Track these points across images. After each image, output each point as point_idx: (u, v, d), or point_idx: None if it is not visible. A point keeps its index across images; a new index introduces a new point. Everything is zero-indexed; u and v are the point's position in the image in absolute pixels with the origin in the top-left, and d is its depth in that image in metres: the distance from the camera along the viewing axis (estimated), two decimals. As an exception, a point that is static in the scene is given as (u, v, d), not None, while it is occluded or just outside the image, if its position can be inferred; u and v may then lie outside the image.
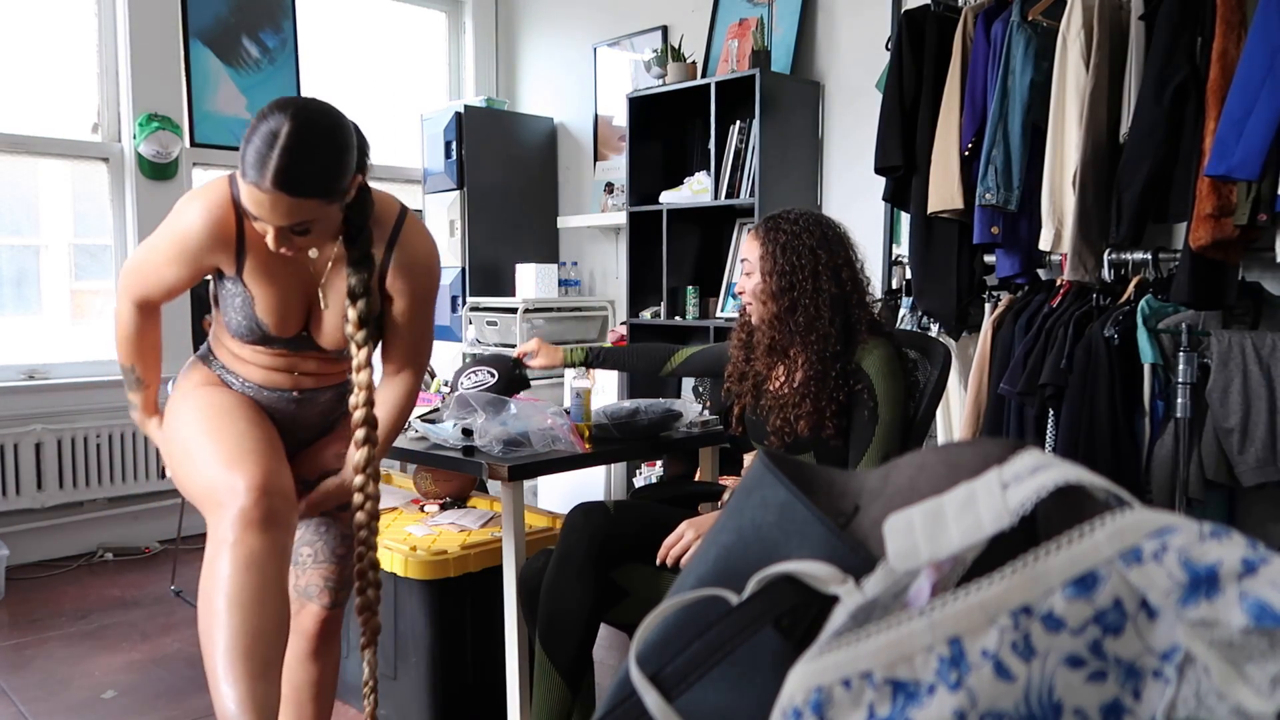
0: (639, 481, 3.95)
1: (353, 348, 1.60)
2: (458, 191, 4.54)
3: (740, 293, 1.92)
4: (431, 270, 1.72)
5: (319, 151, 1.45)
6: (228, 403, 1.68)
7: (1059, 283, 2.71)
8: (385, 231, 1.65)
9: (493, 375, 2.37)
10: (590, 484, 3.79)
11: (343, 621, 1.88)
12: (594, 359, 2.31)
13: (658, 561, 1.82)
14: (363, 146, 1.55)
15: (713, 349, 2.26)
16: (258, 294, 1.63)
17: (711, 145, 3.71)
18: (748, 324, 1.95)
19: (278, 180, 1.42)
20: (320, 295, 1.67)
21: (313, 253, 1.62)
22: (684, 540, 1.78)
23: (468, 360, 2.42)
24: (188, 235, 1.58)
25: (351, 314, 1.59)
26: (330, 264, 1.66)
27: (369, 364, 1.61)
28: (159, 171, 3.98)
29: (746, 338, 1.95)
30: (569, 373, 2.18)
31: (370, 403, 1.60)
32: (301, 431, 1.81)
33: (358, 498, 1.63)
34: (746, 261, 1.89)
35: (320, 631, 1.81)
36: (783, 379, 1.88)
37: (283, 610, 1.52)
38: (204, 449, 1.60)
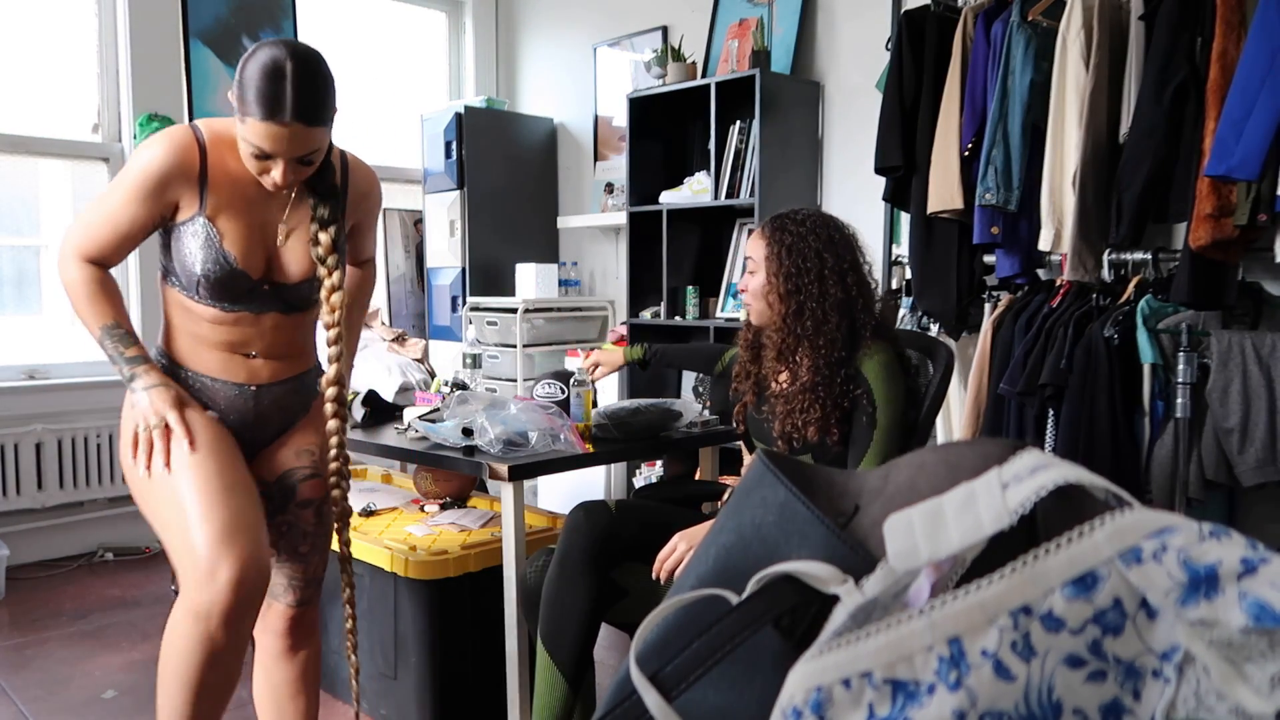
0: (639, 482, 3.95)
1: (323, 271, 1.69)
2: (458, 191, 4.54)
3: (742, 290, 1.91)
4: (378, 193, 1.90)
5: (321, 80, 1.55)
6: (205, 439, 1.61)
7: (1059, 283, 2.71)
8: (335, 167, 1.75)
9: (563, 391, 2.42)
10: (590, 484, 3.79)
11: (318, 619, 1.87)
12: (653, 356, 2.35)
13: (653, 575, 1.81)
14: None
15: None
16: (224, 230, 1.64)
17: (711, 145, 3.71)
18: (750, 323, 1.95)
19: (296, 112, 1.51)
20: (281, 231, 1.70)
21: (270, 178, 1.62)
22: (677, 553, 1.77)
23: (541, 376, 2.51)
24: (151, 168, 1.58)
25: (324, 238, 1.69)
26: (292, 197, 1.71)
27: (341, 286, 1.71)
28: (159, 171, 3.98)
29: (752, 339, 1.95)
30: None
31: (341, 323, 1.71)
32: (261, 431, 1.78)
33: (330, 407, 1.72)
34: (751, 260, 1.88)
35: (290, 630, 1.81)
36: (787, 382, 1.87)
37: (233, 688, 1.63)
38: (189, 503, 1.56)
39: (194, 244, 1.63)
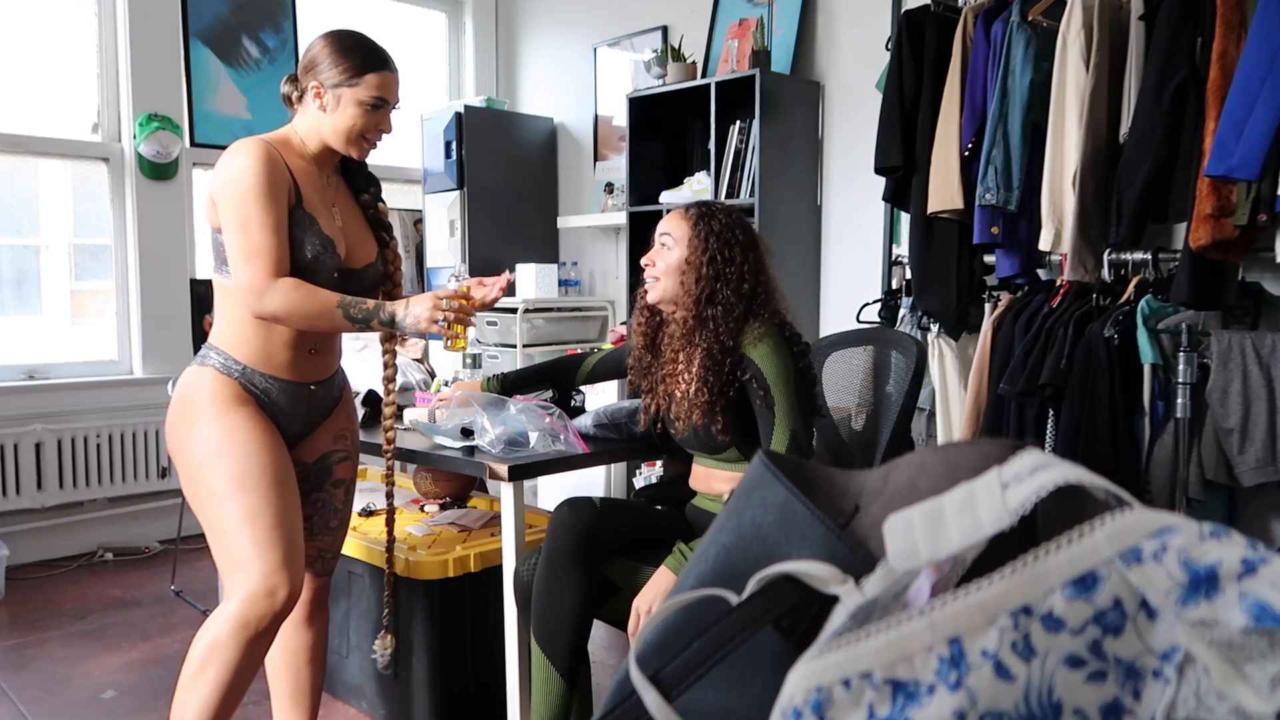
0: (639, 482, 3.95)
1: (387, 240, 1.92)
2: (458, 191, 4.54)
3: (649, 265, 1.92)
4: None
5: None
6: (267, 455, 1.70)
7: (1059, 283, 2.71)
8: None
9: (553, 394, 2.44)
10: (590, 484, 3.79)
11: (329, 592, 2.00)
12: (509, 384, 2.27)
13: (630, 633, 1.82)
14: None
15: (616, 350, 2.27)
16: (320, 219, 1.76)
17: (711, 145, 3.71)
18: (649, 309, 1.97)
19: (391, 61, 1.79)
20: (335, 213, 1.82)
21: (381, 129, 1.83)
22: (643, 616, 1.76)
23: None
24: (260, 167, 1.66)
25: (383, 207, 1.92)
26: (336, 189, 1.87)
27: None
28: (159, 171, 3.98)
29: (646, 323, 1.97)
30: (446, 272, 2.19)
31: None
32: (309, 423, 1.88)
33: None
34: (669, 236, 1.91)
35: (316, 597, 1.94)
36: (681, 365, 1.90)
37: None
38: (257, 527, 1.66)
39: (298, 232, 1.72)
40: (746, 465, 1.91)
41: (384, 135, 1.82)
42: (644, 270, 1.94)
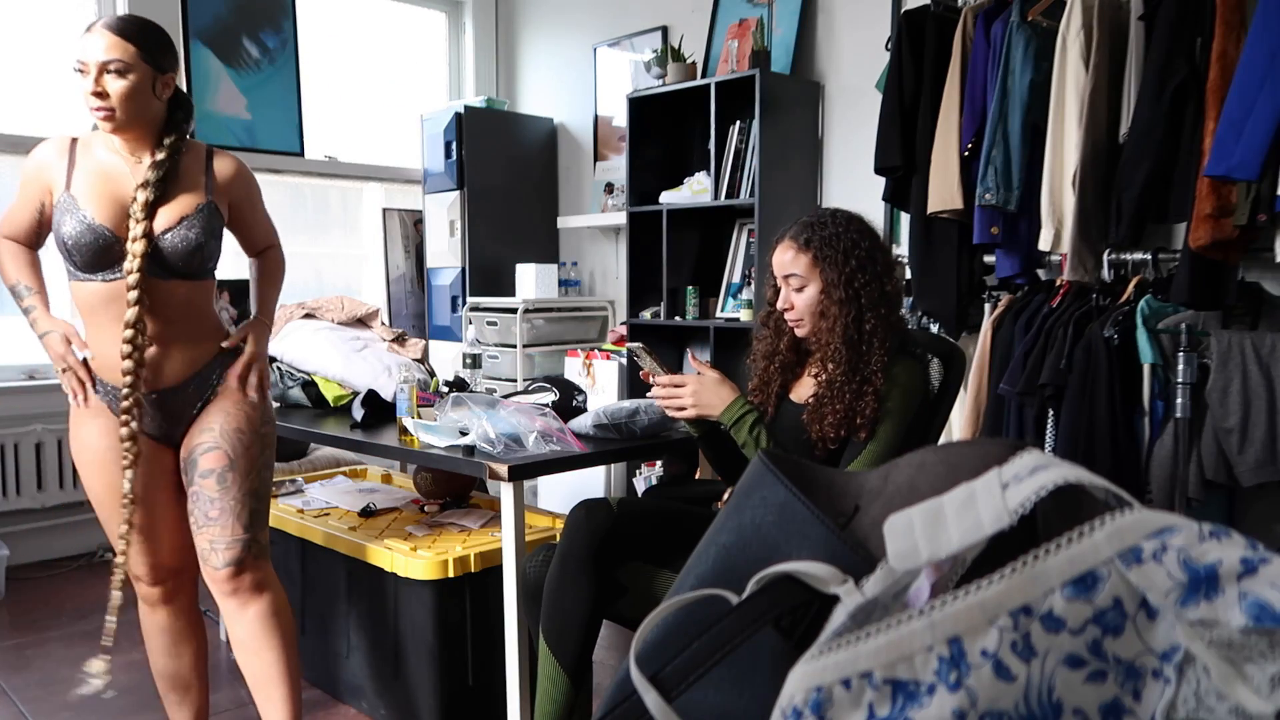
0: (639, 481, 3.95)
1: (132, 222, 1.82)
2: (458, 191, 4.54)
3: (789, 308, 1.82)
4: (249, 174, 2.03)
5: (144, 19, 1.82)
6: (106, 474, 1.91)
7: (1059, 283, 2.71)
8: (200, 155, 1.94)
9: (556, 394, 2.44)
10: (590, 484, 3.79)
11: (266, 579, 1.95)
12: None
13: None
14: (176, 56, 1.88)
15: None
16: (86, 198, 1.82)
17: (711, 145, 3.71)
18: (782, 333, 1.89)
19: (106, 22, 1.76)
20: (124, 193, 1.86)
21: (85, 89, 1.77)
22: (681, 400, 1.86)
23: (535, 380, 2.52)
24: (28, 165, 1.92)
25: (141, 195, 1.82)
26: (144, 170, 1.87)
27: (146, 236, 1.82)
28: (159, 171, 3.98)
29: (785, 347, 1.90)
30: None
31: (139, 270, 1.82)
32: (177, 424, 1.95)
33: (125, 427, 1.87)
34: (796, 276, 1.80)
35: (232, 589, 1.91)
36: (810, 385, 1.84)
37: (196, 647, 2.09)
38: (105, 520, 1.97)
39: (67, 219, 1.82)
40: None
41: (103, 101, 1.77)
42: (784, 314, 1.84)
